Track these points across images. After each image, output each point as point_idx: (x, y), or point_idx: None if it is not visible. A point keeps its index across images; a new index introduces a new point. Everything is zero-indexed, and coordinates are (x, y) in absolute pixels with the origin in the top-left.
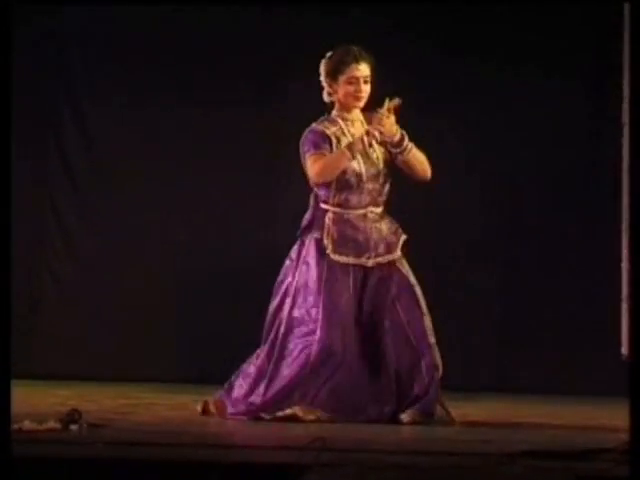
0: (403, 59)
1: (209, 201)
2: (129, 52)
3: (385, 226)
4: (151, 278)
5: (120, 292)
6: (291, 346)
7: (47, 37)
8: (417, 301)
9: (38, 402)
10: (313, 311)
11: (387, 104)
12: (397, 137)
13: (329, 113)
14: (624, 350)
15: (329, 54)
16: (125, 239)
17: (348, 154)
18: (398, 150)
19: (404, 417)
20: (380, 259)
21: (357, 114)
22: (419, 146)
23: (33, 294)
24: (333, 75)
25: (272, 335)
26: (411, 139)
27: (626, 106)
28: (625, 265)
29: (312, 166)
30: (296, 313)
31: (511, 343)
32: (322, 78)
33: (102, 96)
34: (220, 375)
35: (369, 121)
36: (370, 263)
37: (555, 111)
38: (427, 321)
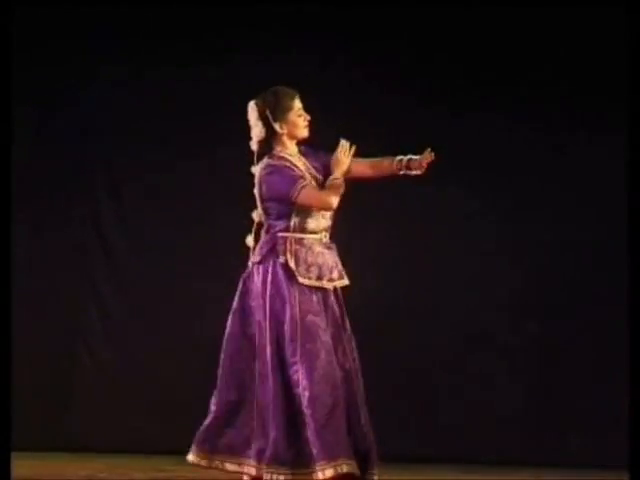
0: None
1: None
2: (161, 127)
3: (334, 252)
4: (184, 352)
5: (153, 365)
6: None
7: (83, 112)
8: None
9: (70, 474)
10: (295, 353)
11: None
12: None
13: (260, 158)
14: None
15: (261, 99)
16: (160, 314)
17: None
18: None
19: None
20: (336, 283)
21: (295, 147)
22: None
23: (68, 367)
24: (280, 114)
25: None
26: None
27: None
28: None
29: (316, 195)
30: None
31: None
32: (260, 123)
33: (136, 170)
34: None
35: (302, 153)
36: (330, 286)
37: (591, 185)
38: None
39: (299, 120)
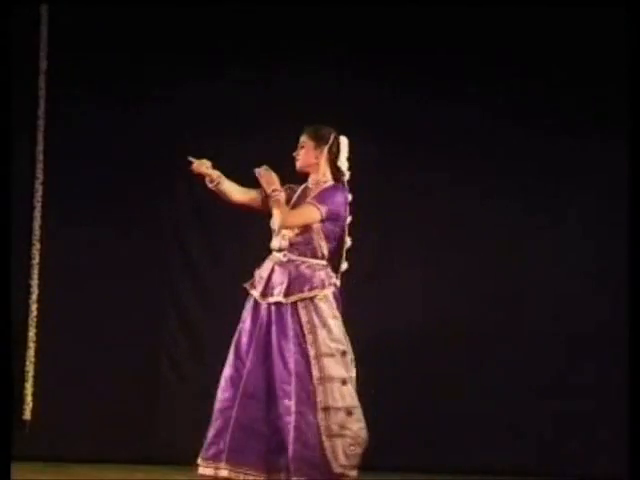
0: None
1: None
2: (243, 137)
3: (295, 271)
4: None
5: None
6: None
7: (161, 132)
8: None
9: None
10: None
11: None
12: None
13: None
14: None
15: None
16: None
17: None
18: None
19: None
20: (271, 299)
21: (309, 179)
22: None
23: (151, 381)
24: None
25: None
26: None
27: None
28: None
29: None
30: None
31: None
32: None
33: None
34: None
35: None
36: (260, 299)
37: None
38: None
39: None
